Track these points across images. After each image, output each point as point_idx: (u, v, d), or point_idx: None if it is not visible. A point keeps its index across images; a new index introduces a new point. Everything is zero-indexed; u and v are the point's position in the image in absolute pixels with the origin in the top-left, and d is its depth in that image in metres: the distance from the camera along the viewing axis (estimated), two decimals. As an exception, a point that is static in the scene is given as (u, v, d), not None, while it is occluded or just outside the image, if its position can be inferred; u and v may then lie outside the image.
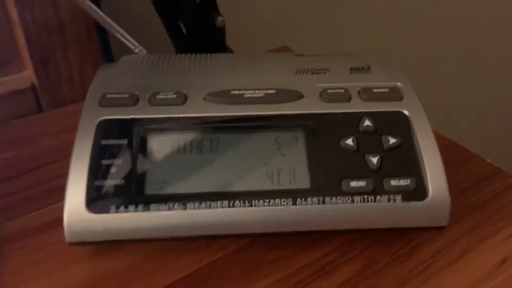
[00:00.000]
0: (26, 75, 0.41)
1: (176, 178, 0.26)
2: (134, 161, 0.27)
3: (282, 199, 0.26)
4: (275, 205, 0.26)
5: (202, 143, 0.28)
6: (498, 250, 0.29)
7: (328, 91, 0.30)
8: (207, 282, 0.27)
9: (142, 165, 0.27)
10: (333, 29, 0.74)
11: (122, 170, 0.26)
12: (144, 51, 0.36)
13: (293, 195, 0.26)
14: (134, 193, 0.26)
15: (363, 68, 0.32)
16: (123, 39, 0.35)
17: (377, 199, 0.26)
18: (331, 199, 0.26)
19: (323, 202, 0.26)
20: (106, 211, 0.25)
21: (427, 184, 0.27)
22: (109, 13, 0.36)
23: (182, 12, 0.41)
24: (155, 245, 0.29)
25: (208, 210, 0.26)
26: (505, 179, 0.34)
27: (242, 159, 0.27)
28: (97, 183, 0.26)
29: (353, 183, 0.26)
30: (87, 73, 0.41)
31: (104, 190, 0.26)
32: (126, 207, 0.25)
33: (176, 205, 0.26)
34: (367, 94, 0.30)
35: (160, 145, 0.27)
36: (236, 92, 0.29)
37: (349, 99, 0.29)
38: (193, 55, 0.34)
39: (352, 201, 0.26)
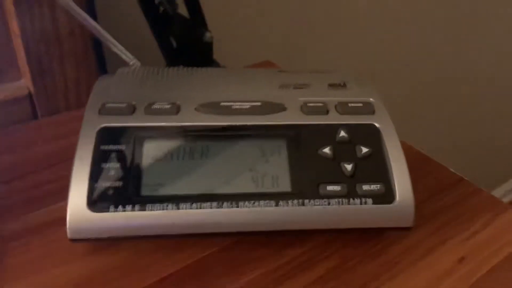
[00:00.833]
0: (23, 84, 0.42)
1: (169, 180, 0.28)
2: (131, 165, 0.29)
3: (266, 201, 0.28)
4: (259, 207, 0.28)
5: (194, 150, 0.30)
6: (457, 250, 0.32)
7: (308, 104, 0.32)
8: (196, 277, 0.29)
9: (138, 168, 0.29)
10: (313, 44, 0.77)
11: (120, 173, 0.28)
12: (139, 63, 0.37)
13: (276, 197, 0.28)
14: (131, 194, 0.28)
15: (339, 84, 0.35)
16: (119, 52, 0.36)
17: (350, 202, 0.29)
18: (309, 202, 0.28)
19: (303, 204, 0.28)
20: (106, 210, 0.27)
21: (395, 189, 0.29)
22: (105, 27, 0.37)
23: (173, 27, 0.43)
24: (148, 243, 0.31)
25: (198, 211, 0.28)
26: (467, 187, 0.37)
27: (230, 165, 0.29)
28: (97, 184, 0.28)
29: (330, 188, 0.29)
30: (82, 83, 0.42)
31: (103, 191, 0.27)
32: (124, 206, 0.27)
33: (169, 206, 0.28)
34: (343, 108, 0.32)
35: (155, 151, 0.29)
36: (225, 103, 0.32)
37: (327, 112, 0.32)
38: (185, 68, 0.36)
39: (329, 204, 0.28)
